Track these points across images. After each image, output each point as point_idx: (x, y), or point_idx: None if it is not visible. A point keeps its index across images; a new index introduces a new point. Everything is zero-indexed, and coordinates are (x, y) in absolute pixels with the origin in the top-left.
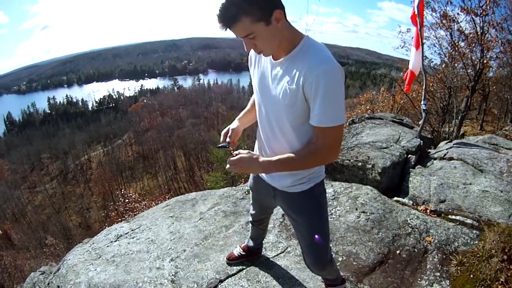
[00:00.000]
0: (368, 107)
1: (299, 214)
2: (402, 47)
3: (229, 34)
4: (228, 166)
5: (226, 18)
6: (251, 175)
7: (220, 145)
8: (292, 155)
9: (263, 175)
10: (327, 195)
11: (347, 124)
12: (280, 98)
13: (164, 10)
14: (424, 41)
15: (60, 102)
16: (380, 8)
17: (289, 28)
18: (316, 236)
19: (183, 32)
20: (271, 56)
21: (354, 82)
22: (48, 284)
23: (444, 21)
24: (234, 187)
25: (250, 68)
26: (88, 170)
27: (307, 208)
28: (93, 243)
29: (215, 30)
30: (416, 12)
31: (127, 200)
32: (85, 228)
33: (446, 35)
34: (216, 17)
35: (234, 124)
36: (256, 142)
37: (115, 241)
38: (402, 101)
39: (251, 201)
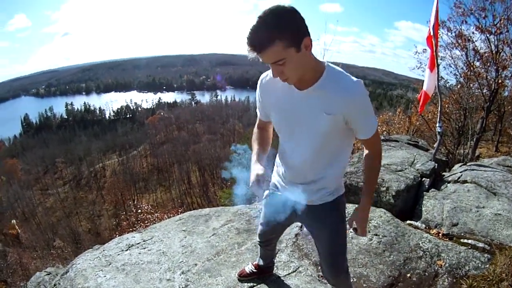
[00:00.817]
0: (384, 129)
1: (322, 223)
2: (418, 68)
3: None
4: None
5: (259, 41)
6: (269, 191)
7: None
8: (366, 176)
9: (286, 191)
10: None
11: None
12: (319, 126)
13: (184, 24)
14: (440, 61)
15: (77, 108)
16: (396, 27)
17: (313, 57)
18: (336, 245)
19: (202, 47)
20: (293, 86)
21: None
22: (55, 285)
23: (459, 41)
24: (248, 205)
25: (262, 95)
26: (101, 178)
27: (331, 218)
28: (103, 250)
29: (234, 47)
30: (431, 33)
31: (139, 211)
32: (94, 235)
33: (462, 55)
34: (247, 40)
35: (260, 169)
36: (277, 159)
37: (126, 250)
38: (418, 123)
39: (260, 221)
